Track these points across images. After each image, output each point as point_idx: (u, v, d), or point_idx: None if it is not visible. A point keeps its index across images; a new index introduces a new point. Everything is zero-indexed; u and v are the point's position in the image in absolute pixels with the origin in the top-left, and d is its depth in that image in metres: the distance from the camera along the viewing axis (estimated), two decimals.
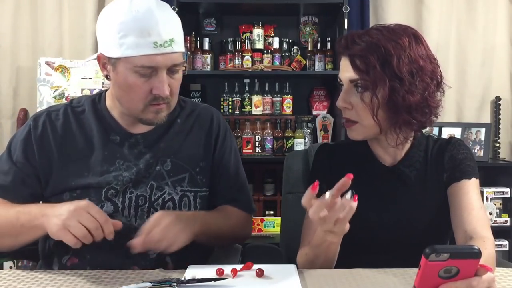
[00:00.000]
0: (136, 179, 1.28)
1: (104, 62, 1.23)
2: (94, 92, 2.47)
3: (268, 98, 3.14)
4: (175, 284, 0.99)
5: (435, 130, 3.00)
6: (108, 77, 1.25)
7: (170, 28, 1.19)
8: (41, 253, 1.34)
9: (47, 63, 2.77)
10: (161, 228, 1.12)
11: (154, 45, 1.16)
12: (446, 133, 2.98)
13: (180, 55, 1.23)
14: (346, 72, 1.21)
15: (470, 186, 1.25)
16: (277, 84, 3.16)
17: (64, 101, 2.72)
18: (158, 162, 1.30)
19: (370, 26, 3.03)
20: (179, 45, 1.21)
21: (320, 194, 1.33)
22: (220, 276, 1.04)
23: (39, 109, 2.72)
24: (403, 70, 1.16)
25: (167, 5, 1.24)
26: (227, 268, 1.07)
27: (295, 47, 3.17)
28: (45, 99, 2.75)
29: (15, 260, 2.50)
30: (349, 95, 1.22)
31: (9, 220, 1.16)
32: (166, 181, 1.31)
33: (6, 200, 1.24)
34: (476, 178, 1.27)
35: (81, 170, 1.27)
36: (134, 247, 1.11)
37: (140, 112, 1.24)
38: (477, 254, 0.85)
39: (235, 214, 1.39)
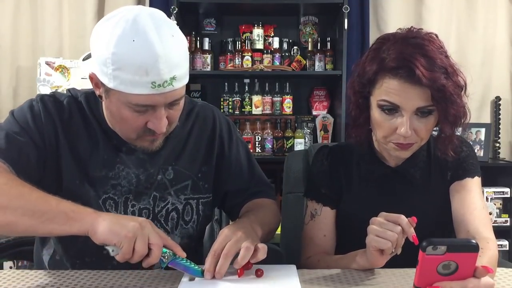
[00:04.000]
0: (136, 191, 1.20)
1: (96, 82, 1.10)
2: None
3: (268, 98, 3.14)
4: (166, 261, 1.00)
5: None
6: (101, 97, 1.12)
7: (172, 64, 1.03)
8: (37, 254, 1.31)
9: (47, 63, 2.77)
10: (232, 242, 1.03)
11: (152, 85, 1.02)
12: None
13: (182, 89, 1.09)
14: (413, 100, 1.13)
15: (473, 185, 1.25)
16: (277, 84, 3.16)
17: None
18: (159, 171, 1.22)
19: (370, 26, 3.08)
20: (181, 80, 1.07)
21: (320, 198, 1.33)
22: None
23: None
24: (462, 84, 1.17)
25: (172, 27, 1.07)
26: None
27: (295, 47, 3.17)
28: None
29: (15, 260, 2.50)
30: (412, 122, 1.15)
31: (46, 200, 0.98)
32: (169, 190, 1.23)
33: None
34: (479, 177, 1.27)
35: (80, 171, 1.16)
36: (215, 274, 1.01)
37: (133, 140, 1.15)
38: (475, 248, 0.85)
39: (269, 204, 1.33)
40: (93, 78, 1.10)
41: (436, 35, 1.20)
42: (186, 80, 1.09)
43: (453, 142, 1.24)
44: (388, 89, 1.15)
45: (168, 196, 1.24)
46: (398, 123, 1.16)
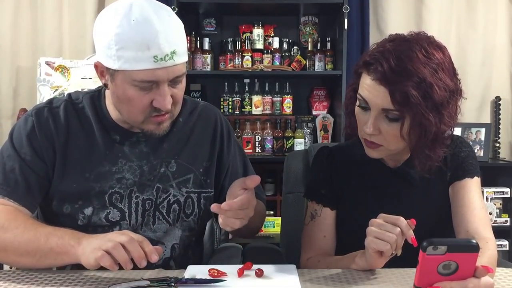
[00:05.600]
0: (140, 182, 1.24)
1: (102, 70, 1.16)
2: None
3: (268, 98, 3.14)
4: (173, 283, 0.99)
5: None
6: (107, 85, 1.18)
7: (171, 40, 1.10)
8: None
9: (47, 63, 2.77)
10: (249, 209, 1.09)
11: (154, 59, 1.09)
12: None
13: (183, 66, 1.16)
14: (379, 99, 1.13)
15: (473, 185, 1.25)
16: (277, 84, 3.16)
17: None
18: (162, 163, 1.27)
19: (370, 26, 3.07)
20: (181, 56, 1.14)
21: (320, 199, 1.33)
22: (219, 276, 1.04)
23: None
24: (441, 101, 1.11)
25: (168, 10, 1.15)
26: (226, 268, 1.07)
27: (295, 47, 3.17)
28: (45, 99, 2.74)
29: None
30: (378, 121, 1.15)
31: (36, 239, 1.06)
32: (171, 182, 1.27)
33: (25, 212, 1.16)
34: (478, 177, 1.27)
35: (82, 171, 1.21)
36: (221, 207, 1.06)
37: (140, 123, 1.19)
38: (475, 248, 0.85)
39: (259, 205, 1.32)
40: (98, 66, 1.16)
41: (443, 48, 1.17)
42: (185, 58, 1.16)
43: (422, 159, 1.19)
44: (363, 84, 1.17)
45: (170, 188, 1.27)
46: (366, 119, 1.17)
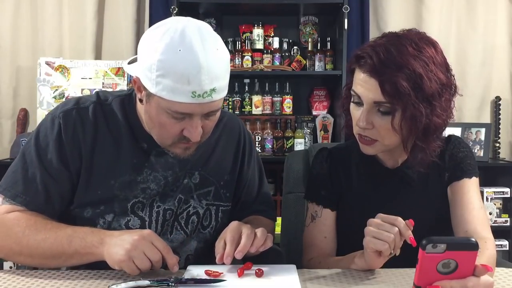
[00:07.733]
0: (163, 192, 1.23)
1: (139, 86, 1.13)
2: (94, 91, 2.42)
3: (268, 98, 3.14)
4: (173, 283, 0.99)
5: None
6: (142, 101, 1.15)
7: (213, 76, 1.06)
8: None
9: (47, 63, 2.77)
10: (248, 234, 1.09)
11: (192, 95, 1.05)
12: (446, 133, 2.98)
13: (220, 101, 1.13)
14: (371, 92, 1.13)
15: (471, 185, 1.25)
16: (277, 84, 3.16)
17: (63, 100, 2.71)
18: (186, 174, 1.26)
19: (370, 26, 3.07)
20: (221, 93, 1.10)
21: (320, 200, 1.33)
22: (215, 276, 1.04)
23: (39, 109, 2.73)
24: (432, 92, 1.12)
25: (217, 40, 1.10)
26: (227, 268, 1.07)
27: (295, 47, 3.17)
28: (45, 99, 2.75)
29: None
30: (370, 115, 1.16)
31: (59, 243, 1.08)
32: (192, 194, 1.27)
33: (42, 215, 1.15)
34: (477, 177, 1.27)
35: (107, 178, 1.19)
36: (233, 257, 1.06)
37: (167, 146, 1.18)
38: (475, 246, 0.85)
39: (267, 224, 1.37)
40: (136, 82, 1.13)
41: (434, 43, 1.18)
42: (224, 93, 1.13)
43: (415, 152, 1.20)
44: (356, 79, 1.18)
45: (191, 200, 1.27)
46: (360, 114, 1.17)
